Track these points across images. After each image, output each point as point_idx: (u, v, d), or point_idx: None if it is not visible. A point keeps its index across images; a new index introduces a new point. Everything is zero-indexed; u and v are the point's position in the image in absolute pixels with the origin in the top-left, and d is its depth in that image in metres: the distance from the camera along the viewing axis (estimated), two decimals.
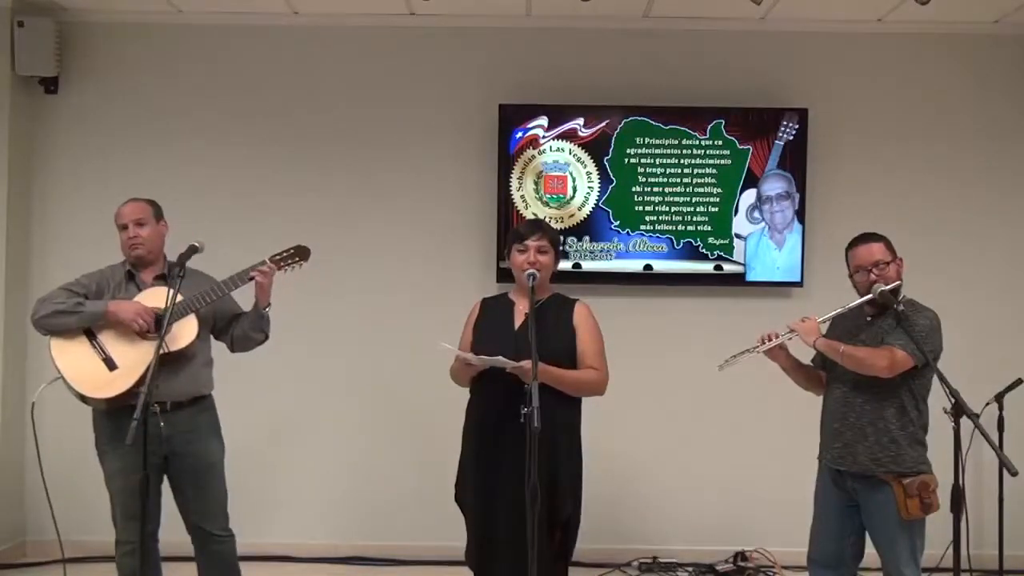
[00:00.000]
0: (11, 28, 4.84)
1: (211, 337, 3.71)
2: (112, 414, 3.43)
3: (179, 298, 3.39)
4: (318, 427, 5.07)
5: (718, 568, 4.82)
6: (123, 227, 3.58)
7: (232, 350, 3.75)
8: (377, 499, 5.05)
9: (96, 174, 5.07)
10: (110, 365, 3.42)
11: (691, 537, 4.99)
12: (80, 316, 3.42)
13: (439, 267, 5.06)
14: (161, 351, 3.31)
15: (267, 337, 3.71)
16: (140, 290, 3.55)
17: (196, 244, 3.49)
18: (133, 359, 3.39)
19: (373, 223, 5.09)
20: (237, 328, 3.68)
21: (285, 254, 3.62)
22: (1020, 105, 5.08)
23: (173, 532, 3.67)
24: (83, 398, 3.44)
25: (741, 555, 4.87)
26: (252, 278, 3.53)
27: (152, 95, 5.08)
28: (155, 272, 3.62)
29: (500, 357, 3.16)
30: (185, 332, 3.47)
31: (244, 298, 3.69)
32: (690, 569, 4.83)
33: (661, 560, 4.88)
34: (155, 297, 3.48)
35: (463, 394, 3.49)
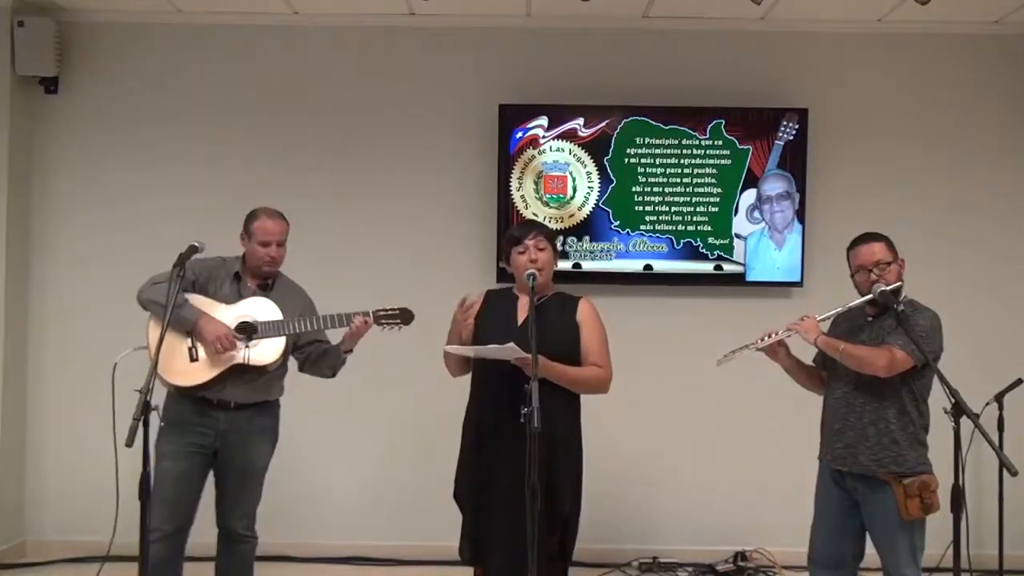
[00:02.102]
0: (11, 28, 4.83)
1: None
2: (182, 400, 3.50)
3: (276, 315, 3.51)
4: (317, 427, 5.05)
5: (718, 568, 4.82)
6: (266, 244, 3.57)
7: (301, 370, 3.78)
8: (377, 499, 5.05)
9: (96, 174, 5.07)
10: (192, 356, 3.46)
11: (691, 537, 4.98)
12: (172, 316, 3.41)
13: (439, 267, 5.05)
14: (241, 361, 3.46)
15: (334, 375, 3.76)
16: (242, 295, 3.59)
17: (196, 244, 3.49)
18: (213, 359, 3.46)
19: (373, 223, 5.09)
20: (314, 353, 3.71)
21: (390, 312, 3.62)
22: (1020, 105, 5.08)
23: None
24: (160, 378, 3.47)
25: (741, 555, 4.87)
26: (349, 324, 3.56)
27: (152, 95, 5.08)
28: (259, 280, 3.65)
29: (511, 344, 3.13)
30: (270, 352, 3.52)
31: None
32: (690, 569, 4.83)
33: (661, 560, 4.88)
34: (254, 306, 3.55)
35: (463, 394, 3.49)
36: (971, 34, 5.05)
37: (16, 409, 4.95)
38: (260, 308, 3.54)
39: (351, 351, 3.65)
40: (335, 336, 3.72)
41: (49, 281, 5.06)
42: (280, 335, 3.52)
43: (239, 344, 3.47)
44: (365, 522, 5.03)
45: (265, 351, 3.51)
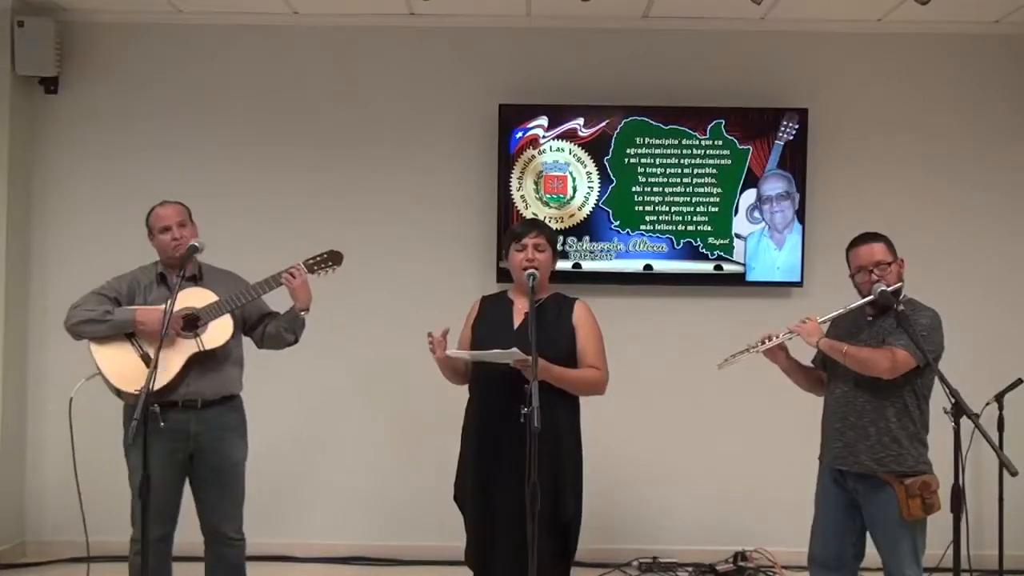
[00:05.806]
0: (11, 28, 4.83)
1: (242, 337, 3.72)
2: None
3: (212, 298, 3.48)
4: (317, 427, 5.07)
5: (718, 568, 4.82)
6: (165, 229, 3.56)
7: (260, 346, 3.77)
8: (377, 499, 5.05)
9: (96, 174, 5.08)
10: (147, 361, 3.44)
11: (691, 537, 4.99)
12: (109, 324, 3.45)
13: (439, 267, 5.06)
14: (197, 349, 3.42)
15: (296, 340, 3.72)
16: (173, 291, 3.56)
17: (196, 244, 3.50)
18: (169, 356, 3.41)
19: (373, 223, 5.08)
20: (271, 326, 3.70)
21: (318, 258, 3.65)
22: (1020, 105, 5.08)
23: (177, 532, 3.66)
24: (118, 392, 3.47)
25: (741, 555, 4.87)
26: (282, 282, 3.56)
27: (152, 95, 5.08)
28: (187, 273, 3.62)
29: (514, 349, 3.14)
30: (221, 331, 3.50)
31: (278, 300, 3.70)
32: (690, 569, 4.83)
33: (661, 560, 4.88)
34: (190, 297, 3.51)
35: (463, 394, 3.50)
36: (971, 34, 5.05)
37: (16, 410, 4.95)
38: (196, 297, 3.51)
39: (307, 309, 3.63)
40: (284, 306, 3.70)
41: (49, 281, 5.06)
42: (223, 313, 3.49)
43: (188, 335, 3.44)
44: (365, 522, 5.03)
45: (216, 333, 3.48)
